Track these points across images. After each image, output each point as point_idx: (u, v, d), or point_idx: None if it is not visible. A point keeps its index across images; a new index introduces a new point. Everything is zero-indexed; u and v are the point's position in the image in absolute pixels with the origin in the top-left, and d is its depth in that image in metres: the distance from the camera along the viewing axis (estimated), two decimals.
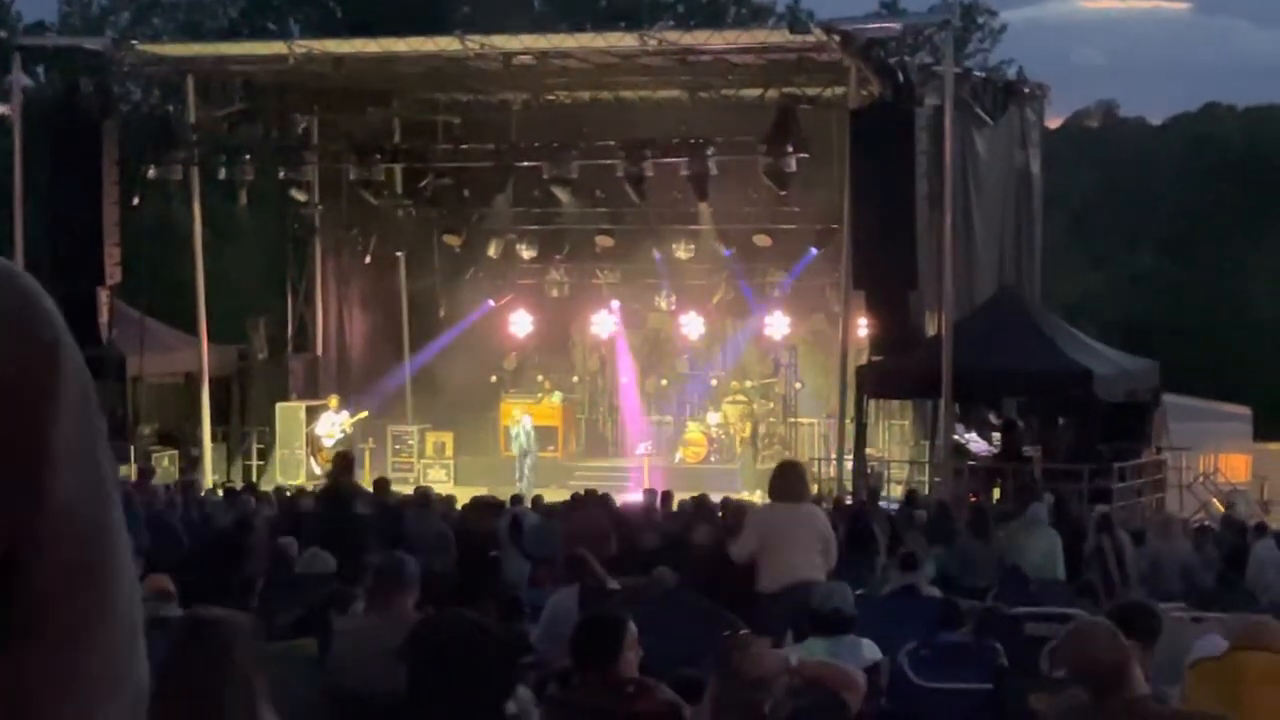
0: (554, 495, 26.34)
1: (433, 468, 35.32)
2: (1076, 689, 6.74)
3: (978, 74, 37.54)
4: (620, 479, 32.53)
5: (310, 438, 35.02)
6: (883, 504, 26.05)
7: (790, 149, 30.89)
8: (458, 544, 18.52)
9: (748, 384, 36.07)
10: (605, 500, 23.14)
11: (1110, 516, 22.44)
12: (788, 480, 14.22)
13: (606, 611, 8.40)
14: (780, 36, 31.03)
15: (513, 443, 34.73)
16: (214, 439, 35.15)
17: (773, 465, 17.43)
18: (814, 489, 15.10)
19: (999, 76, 40.13)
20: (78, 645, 2.08)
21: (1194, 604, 15.49)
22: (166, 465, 32.85)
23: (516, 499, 24.14)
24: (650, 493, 25.30)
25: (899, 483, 30.88)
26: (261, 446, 36.08)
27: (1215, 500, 33.62)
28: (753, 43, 31.84)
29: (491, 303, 38.22)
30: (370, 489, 22.92)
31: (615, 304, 37.48)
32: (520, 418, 34.76)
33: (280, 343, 37.96)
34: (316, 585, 12.91)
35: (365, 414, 35.46)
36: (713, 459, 34.98)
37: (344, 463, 20.44)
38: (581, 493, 23.95)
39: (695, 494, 24.53)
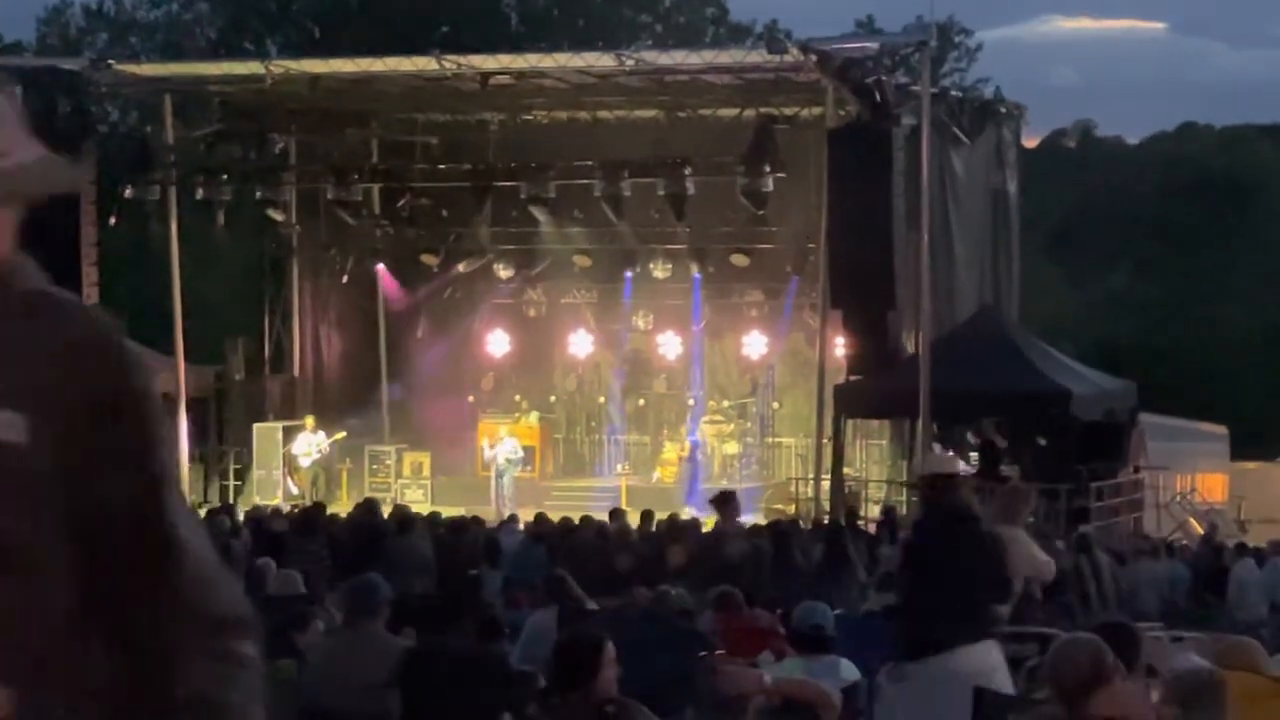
0: (528, 515, 26.27)
1: (410, 488, 35.18)
2: (1053, 707, 6.73)
3: (955, 94, 37.58)
4: (597, 499, 32.40)
5: (287, 458, 34.96)
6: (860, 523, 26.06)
7: (768, 169, 30.87)
8: (438, 565, 18.48)
9: (725, 404, 36.01)
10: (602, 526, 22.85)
11: (1089, 536, 22.48)
12: (994, 504, 14.02)
13: (585, 631, 8.40)
14: (758, 57, 31.01)
15: (494, 462, 34.40)
16: (191, 460, 35.01)
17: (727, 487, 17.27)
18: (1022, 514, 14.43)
19: (976, 96, 40.24)
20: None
21: (1170, 624, 15.51)
22: None
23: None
24: (618, 512, 25.09)
25: (876, 502, 30.86)
26: (239, 467, 36.03)
27: (1192, 520, 33.66)
28: (730, 63, 31.81)
29: (477, 328, 38.19)
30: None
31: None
32: (504, 439, 34.47)
33: (257, 363, 37.89)
34: (286, 606, 12.86)
35: (342, 434, 35.35)
36: None
37: None
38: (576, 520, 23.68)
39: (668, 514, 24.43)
